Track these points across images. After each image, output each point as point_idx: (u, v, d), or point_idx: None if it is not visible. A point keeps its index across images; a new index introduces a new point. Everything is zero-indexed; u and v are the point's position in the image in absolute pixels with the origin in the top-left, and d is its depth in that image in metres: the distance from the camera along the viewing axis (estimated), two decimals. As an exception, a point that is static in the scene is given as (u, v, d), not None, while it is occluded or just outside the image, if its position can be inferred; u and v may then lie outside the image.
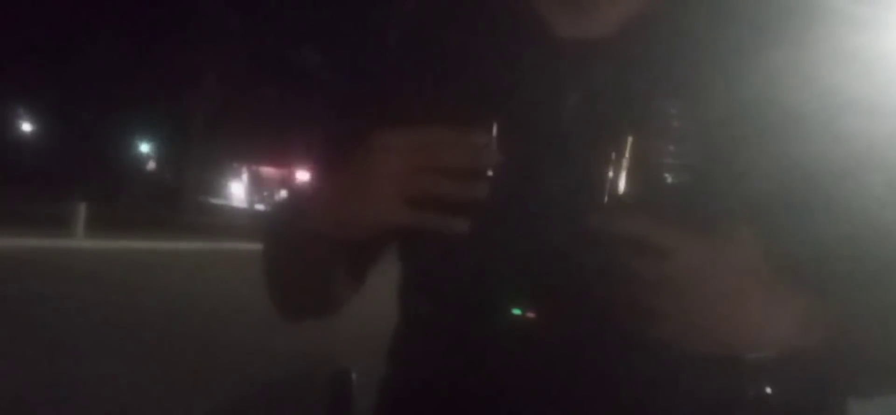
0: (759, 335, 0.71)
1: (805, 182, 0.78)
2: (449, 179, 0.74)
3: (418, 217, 0.75)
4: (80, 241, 14.01)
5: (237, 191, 47.95)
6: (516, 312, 0.79)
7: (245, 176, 47.59)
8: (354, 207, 0.78)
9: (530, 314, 0.78)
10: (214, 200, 38.75)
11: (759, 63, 0.79)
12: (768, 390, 0.74)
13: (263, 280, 0.93)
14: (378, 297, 1.02)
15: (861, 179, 0.80)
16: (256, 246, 0.97)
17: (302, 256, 0.87)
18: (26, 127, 30.32)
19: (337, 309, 0.96)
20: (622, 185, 0.70)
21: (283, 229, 0.90)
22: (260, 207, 40.53)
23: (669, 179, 0.74)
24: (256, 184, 46.97)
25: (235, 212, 34.89)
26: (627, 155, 0.70)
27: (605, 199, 0.70)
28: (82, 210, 14.46)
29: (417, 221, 0.75)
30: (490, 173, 0.74)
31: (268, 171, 45.38)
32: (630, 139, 0.70)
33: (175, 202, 26.58)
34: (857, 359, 0.77)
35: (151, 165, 35.73)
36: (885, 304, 0.78)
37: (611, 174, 0.70)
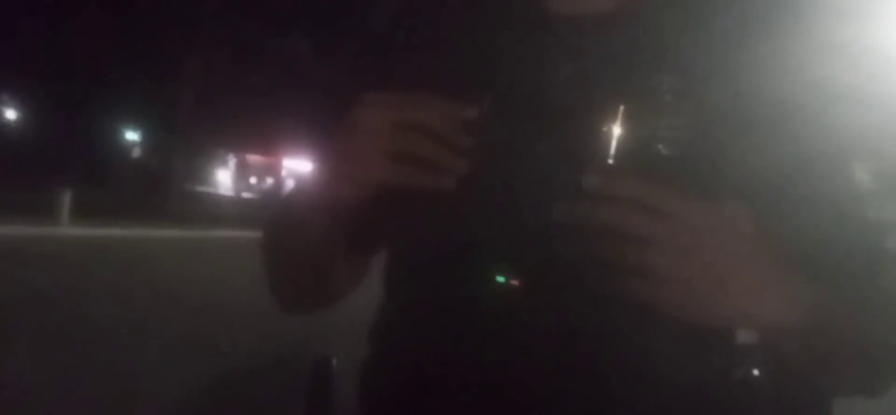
0: (747, 309, 0.71)
1: (795, 168, 0.78)
2: (436, 141, 0.75)
3: (405, 174, 0.76)
4: (65, 228, 13.95)
5: (224, 178, 47.84)
6: (500, 279, 0.78)
7: (232, 163, 47.48)
8: (344, 164, 0.79)
9: (514, 282, 0.78)
10: (201, 188, 38.64)
11: (754, 46, 0.80)
12: (755, 371, 0.73)
13: (264, 271, 0.93)
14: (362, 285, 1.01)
15: (850, 167, 0.80)
16: (242, 234, 0.96)
17: (300, 238, 0.88)
18: (10, 114, 30.11)
19: (336, 299, 0.96)
20: (614, 153, 0.70)
21: (282, 214, 0.92)
22: (246, 194, 40.49)
23: (662, 150, 0.74)
24: (243, 171, 46.88)
25: (222, 199, 34.83)
26: (619, 125, 0.70)
27: (598, 166, 0.70)
28: (67, 198, 14.40)
29: (404, 179, 0.76)
30: (478, 140, 0.75)
31: (254, 158, 45.30)
32: (622, 109, 0.70)
33: (161, 190, 26.49)
34: (836, 351, 0.76)
35: (137, 153, 35.59)
36: (869, 295, 0.78)
37: (602, 143, 0.70)
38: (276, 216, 0.95)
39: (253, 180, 46.54)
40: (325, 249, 0.86)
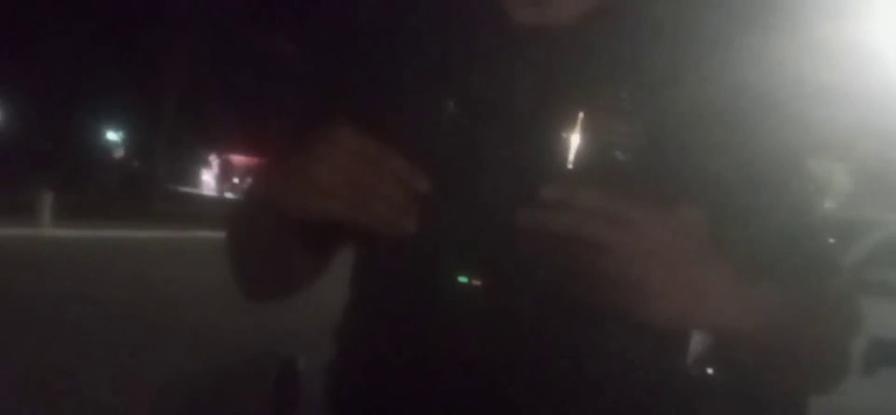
0: (702, 313, 0.72)
1: (750, 174, 0.80)
2: (391, 184, 0.75)
3: (354, 215, 0.76)
4: (47, 230, 13.85)
5: (207, 179, 47.61)
6: (462, 279, 0.80)
7: (215, 164, 47.25)
8: (297, 189, 0.78)
9: (476, 282, 0.80)
10: (184, 189, 38.43)
11: (710, 56, 0.82)
12: (709, 370, 0.75)
13: (227, 259, 0.94)
14: (327, 285, 1.02)
15: (804, 172, 0.82)
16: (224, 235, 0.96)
17: (254, 233, 0.89)
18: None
19: (298, 290, 0.96)
20: (573, 159, 0.72)
21: (245, 204, 0.93)
22: (230, 195, 40.27)
23: (619, 156, 0.75)
24: (226, 172, 46.65)
25: (205, 200, 34.63)
26: (578, 132, 0.72)
27: (557, 171, 0.72)
28: (49, 199, 14.30)
29: (353, 218, 0.76)
30: (436, 180, 0.76)
31: (238, 159, 45.07)
32: (581, 116, 0.72)
33: (143, 190, 26.33)
34: (788, 351, 0.78)
35: (119, 154, 35.36)
36: (821, 297, 0.81)
37: (562, 149, 0.72)
38: (236, 208, 0.97)
39: (236, 181, 46.27)
40: (278, 245, 0.87)
